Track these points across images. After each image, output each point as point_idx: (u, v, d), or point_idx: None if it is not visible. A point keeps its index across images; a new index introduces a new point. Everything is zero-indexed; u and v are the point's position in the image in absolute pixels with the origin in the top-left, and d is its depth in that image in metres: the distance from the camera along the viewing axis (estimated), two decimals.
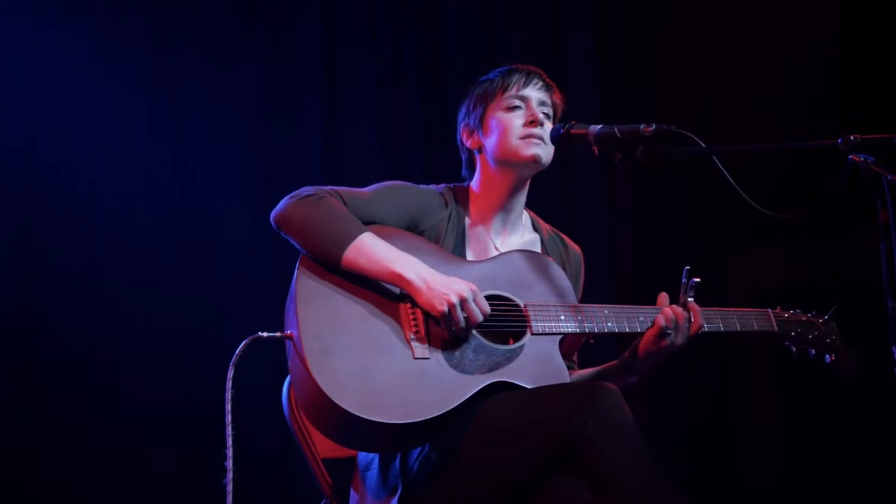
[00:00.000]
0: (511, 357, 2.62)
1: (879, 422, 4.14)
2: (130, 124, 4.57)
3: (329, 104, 4.82)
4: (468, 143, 2.97)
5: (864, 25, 4.65)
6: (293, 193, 2.69)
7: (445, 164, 4.74)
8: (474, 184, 2.97)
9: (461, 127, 3.00)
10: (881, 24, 4.59)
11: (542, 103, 2.91)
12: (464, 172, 3.03)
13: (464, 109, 3.00)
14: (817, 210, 2.50)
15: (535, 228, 3.03)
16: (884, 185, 2.30)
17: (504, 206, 2.93)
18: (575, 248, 3.06)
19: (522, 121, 2.87)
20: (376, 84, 4.90)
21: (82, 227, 4.46)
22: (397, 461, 2.58)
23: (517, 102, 2.89)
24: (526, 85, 2.90)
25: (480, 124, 2.93)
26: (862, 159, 2.35)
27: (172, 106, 4.62)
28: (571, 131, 2.71)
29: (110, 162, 4.52)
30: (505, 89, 2.90)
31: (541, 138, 2.86)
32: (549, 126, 2.88)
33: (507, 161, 2.87)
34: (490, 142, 2.90)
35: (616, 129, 2.63)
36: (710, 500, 4.37)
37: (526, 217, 3.03)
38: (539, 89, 2.92)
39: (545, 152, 2.87)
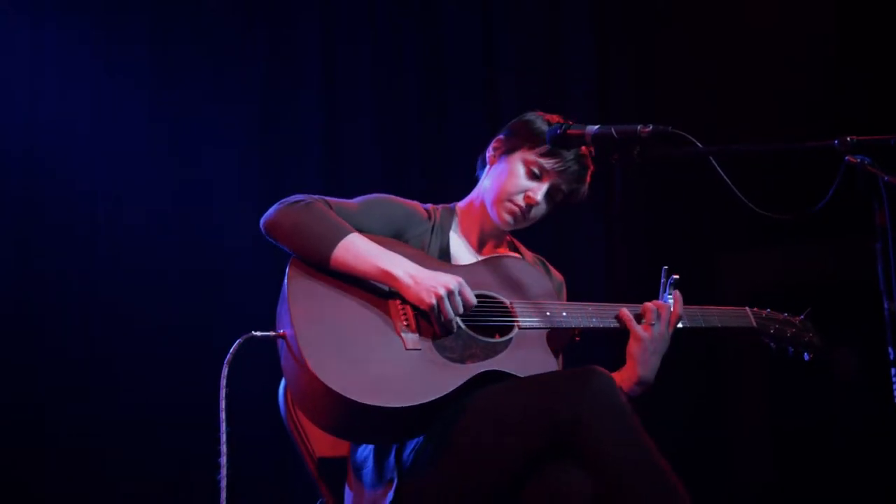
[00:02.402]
0: (500, 349, 2.66)
1: (876, 424, 4.13)
2: (130, 124, 4.58)
3: (329, 104, 4.83)
4: (488, 154, 2.99)
5: (864, 25, 4.64)
6: (282, 200, 2.73)
7: (444, 165, 4.78)
8: (464, 203, 3.02)
9: (498, 138, 2.98)
10: (881, 24, 4.58)
11: (558, 190, 2.89)
12: (478, 172, 3.05)
13: (514, 126, 2.96)
14: (814, 211, 2.49)
15: (518, 252, 3.07)
16: (880, 185, 2.30)
17: (486, 230, 2.98)
18: (557, 275, 3.09)
19: (525, 191, 2.87)
20: (376, 84, 4.90)
21: (82, 227, 4.47)
22: (392, 455, 2.60)
23: (537, 172, 2.87)
24: (562, 173, 2.87)
25: (506, 153, 2.93)
26: (858, 160, 2.34)
27: (172, 106, 4.63)
28: (568, 132, 2.70)
29: (110, 162, 4.53)
30: (544, 154, 2.86)
31: (523, 216, 2.89)
32: (544, 207, 2.90)
33: (487, 205, 2.93)
34: (492, 177, 2.94)
35: (613, 130, 2.62)
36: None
37: (509, 242, 3.08)
38: (568, 176, 2.88)
39: (518, 224, 2.92)
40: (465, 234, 2.98)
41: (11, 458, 4.24)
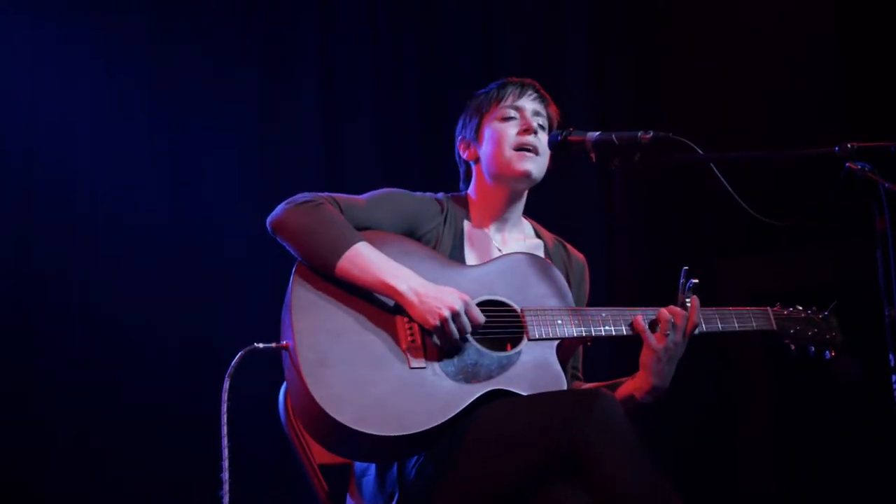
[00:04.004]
0: (508, 364, 2.62)
1: (877, 430, 4.12)
2: (130, 125, 4.57)
3: (328, 104, 4.83)
4: (465, 155, 3.01)
5: (864, 27, 4.62)
6: (290, 199, 2.70)
7: (443, 165, 4.77)
8: (471, 191, 3.00)
9: (458, 140, 3.03)
10: (882, 25, 4.57)
11: (537, 114, 2.94)
12: (461, 186, 3.05)
13: (460, 122, 3.03)
14: (814, 217, 2.49)
15: (538, 235, 3.04)
16: (880, 192, 2.30)
17: (501, 217, 2.96)
18: (578, 256, 3.07)
19: (516, 130, 2.89)
20: (376, 84, 4.90)
21: (81, 227, 4.46)
22: (394, 468, 2.59)
23: (512, 113, 2.91)
24: (521, 96, 2.93)
25: (476, 135, 2.96)
26: (859, 167, 2.35)
27: (172, 106, 4.62)
28: (569, 138, 2.71)
29: (109, 163, 4.52)
30: (500, 100, 2.93)
31: (534, 148, 2.88)
32: (543, 137, 2.90)
33: (501, 174, 2.90)
34: (485, 152, 2.93)
35: (613, 136, 2.63)
36: None
37: (526, 224, 3.05)
38: (533, 100, 2.95)
39: (537, 166, 2.89)
40: (480, 221, 2.94)
41: (11, 458, 4.24)
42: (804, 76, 4.67)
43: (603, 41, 5.05)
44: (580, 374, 2.99)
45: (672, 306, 2.76)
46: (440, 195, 2.94)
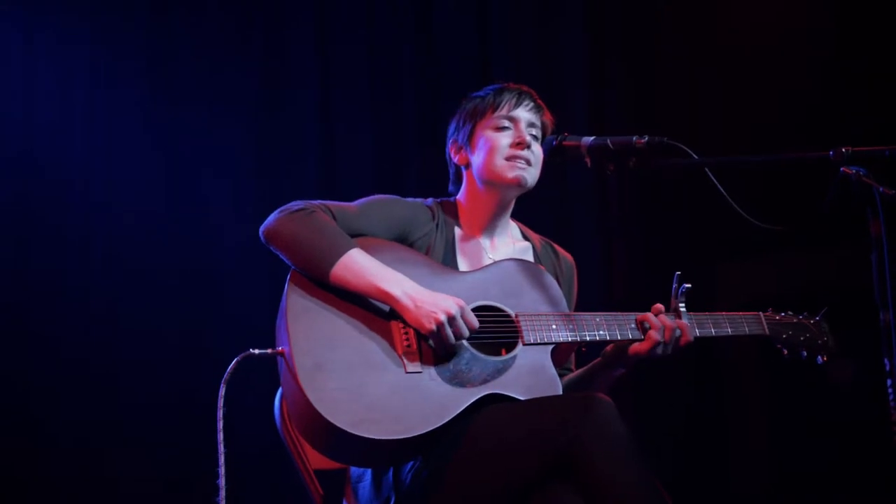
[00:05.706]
0: (503, 369, 2.62)
1: (871, 434, 4.12)
2: (128, 126, 4.59)
3: (325, 109, 4.83)
4: (456, 159, 3.00)
5: (864, 29, 4.62)
6: (282, 207, 2.70)
7: (440, 170, 4.77)
8: (461, 197, 3.00)
9: (450, 142, 3.02)
10: (882, 27, 4.56)
11: (531, 125, 2.92)
12: (450, 188, 3.05)
13: (453, 124, 3.01)
14: (809, 221, 2.50)
15: (526, 237, 3.05)
16: (875, 196, 2.30)
17: (490, 222, 2.96)
18: (567, 256, 3.07)
19: (509, 141, 2.88)
20: (372, 85, 4.90)
21: (79, 230, 4.48)
22: (390, 473, 2.59)
23: (506, 123, 2.90)
24: (516, 105, 2.91)
25: (468, 141, 2.95)
26: (853, 171, 2.35)
27: (168, 112, 4.64)
28: (564, 143, 2.71)
29: (107, 165, 4.54)
30: (495, 108, 2.91)
31: (527, 161, 2.87)
32: (536, 148, 2.90)
33: (492, 181, 2.90)
34: (476, 160, 2.92)
35: (609, 141, 2.63)
36: None
37: (513, 226, 3.05)
38: (529, 110, 2.93)
39: (530, 175, 2.89)
40: (471, 227, 2.95)
41: (11, 459, 4.26)
42: (801, 80, 4.65)
43: (600, 46, 5.03)
44: (572, 370, 3.00)
45: (664, 316, 2.77)
46: (429, 201, 2.95)
